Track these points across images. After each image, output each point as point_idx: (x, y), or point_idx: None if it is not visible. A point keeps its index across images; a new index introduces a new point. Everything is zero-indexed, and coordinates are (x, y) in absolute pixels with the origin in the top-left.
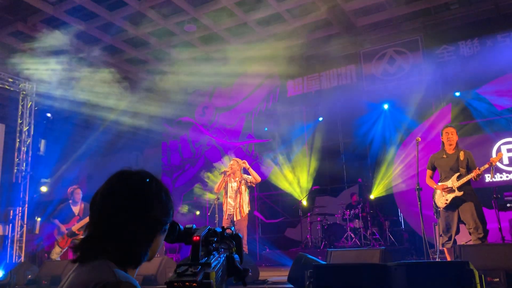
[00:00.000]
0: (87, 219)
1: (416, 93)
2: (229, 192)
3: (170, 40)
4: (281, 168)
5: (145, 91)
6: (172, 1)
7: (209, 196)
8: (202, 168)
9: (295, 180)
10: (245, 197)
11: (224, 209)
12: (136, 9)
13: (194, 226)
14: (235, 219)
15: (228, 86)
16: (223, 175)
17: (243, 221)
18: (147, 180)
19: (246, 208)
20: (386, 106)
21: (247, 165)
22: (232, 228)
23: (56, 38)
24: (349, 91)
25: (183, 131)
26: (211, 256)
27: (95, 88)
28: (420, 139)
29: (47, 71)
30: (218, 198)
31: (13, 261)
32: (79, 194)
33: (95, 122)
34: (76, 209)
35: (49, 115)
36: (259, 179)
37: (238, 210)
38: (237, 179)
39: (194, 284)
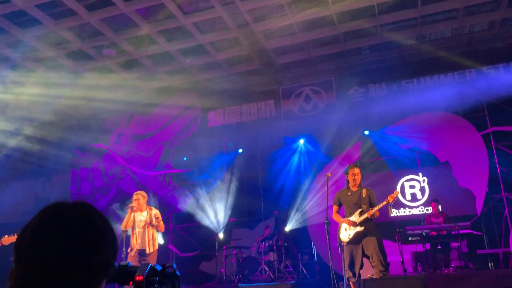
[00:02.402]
0: None
1: (330, 130)
2: (138, 227)
3: (87, 64)
4: (198, 200)
5: (56, 115)
6: (91, 24)
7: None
8: (114, 198)
9: (212, 212)
10: (155, 231)
11: (133, 243)
12: (51, 29)
13: (129, 263)
14: (148, 251)
15: (147, 113)
16: (130, 210)
17: (155, 254)
18: (91, 216)
19: (159, 241)
20: (302, 141)
21: (159, 218)
22: (174, 265)
23: None
24: (268, 125)
25: (95, 159)
26: None
27: None
28: (330, 174)
29: None
30: (125, 231)
31: None
32: None
33: None
34: None
35: None
36: (163, 230)
37: (151, 242)
38: (144, 213)
39: None
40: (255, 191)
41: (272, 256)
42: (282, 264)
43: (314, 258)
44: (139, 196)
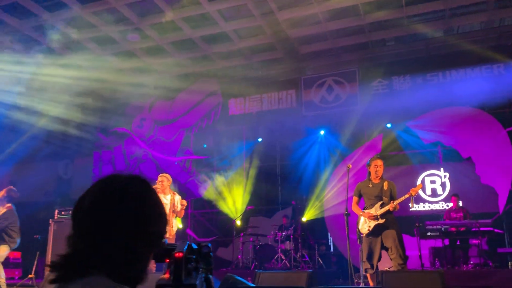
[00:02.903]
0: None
1: (351, 122)
2: None
3: (112, 48)
4: (217, 186)
5: (82, 97)
6: (117, 9)
7: None
8: None
9: (231, 199)
10: (175, 216)
11: None
12: (78, 13)
13: (166, 241)
14: (169, 235)
15: (169, 99)
16: None
17: (173, 239)
18: (147, 189)
19: (178, 226)
20: (322, 132)
21: (184, 205)
22: (209, 245)
23: None
24: (289, 114)
25: (118, 142)
26: (192, 276)
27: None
28: (351, 166)
29: None
30: None
31: None
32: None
33: (22, 126)
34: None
35: None
36: (181, 216)
37: (171, 227)
38: (168, 196)
39: None
40: (273, 181)
41: (288, 245)
42: (298, 254)
43: (330, 249)
44: (164, 179)
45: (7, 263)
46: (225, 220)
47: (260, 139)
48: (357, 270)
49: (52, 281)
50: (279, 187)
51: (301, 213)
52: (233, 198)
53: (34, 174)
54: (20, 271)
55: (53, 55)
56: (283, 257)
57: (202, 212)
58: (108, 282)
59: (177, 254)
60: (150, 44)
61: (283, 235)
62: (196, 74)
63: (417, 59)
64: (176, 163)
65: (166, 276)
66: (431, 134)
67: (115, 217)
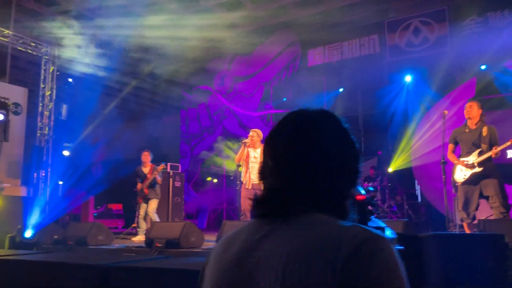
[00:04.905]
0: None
1: (441, 66)
2: (251, 163)
3: (190, 6)
4: None
5: (163, 59)
6: None
7: (226, 164)
8: (219, 136)
9: None
10: None
11: (246, 179)
12: None
13: None
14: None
15: (248, 54)
16: (243, 145)
17: None
18: (344, 123)
19: None
20: (409, 78)
21: None
22: (371, 189)
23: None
24: (371, 61)
25: (201, 99)
26: (372, 220)
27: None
28: (447, 112)
29: (69, 36)
30: (239, 165)
31: (39, 222)
32: (147, 157)
33: (115, 88)
34: (145, 170)
35: (70, 80)
36: None
37: None
38: (258, 150)
39: None
40: (355, 132)
41: (376, 196)
42: (386, 204)
43: (418, 199)
44: (254, 133)
45: (111, 214)
46: None
47: (341, 89)
48: (449, 220)
49: (258, 215)
50: (361, 138)
51: (387, 164)
52: None
53: (126, 133)
54: (123, 221)
55: (137, 17)
56: (370, 207)
57: None
58: (334, 220)
59: (358, 197)
60: None
61: (370, 185)
62: (273, 26)
63: None
64: (257, 117)
65: None
66: None
67: (317, 151)
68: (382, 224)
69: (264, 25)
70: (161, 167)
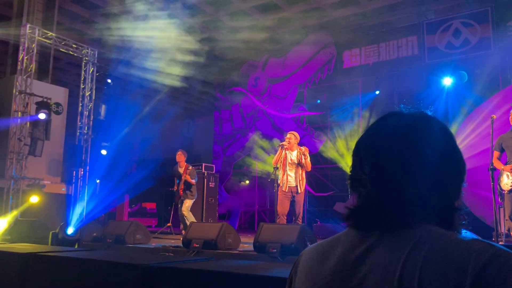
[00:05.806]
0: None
1: (483, 68)
2: (288, 165)
3: (226, 9)
4: (332, 142)
5: (201, 59)
6: None
7: (258, 166)
8: (252, 137)
9: (348, 154)
10: (304, 171)
11: (283, 181)
12: None
13: None
14: (299, 191)
15: (282, 56)
16: (280, 148)
17: (302, 194)
18: (447, 128)
19: (305, 181)
20: (449, 81)
21: (306, 154)
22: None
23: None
24: (409, 64)
25: (235, 101)
26: (465, 232)
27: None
28: (495, 116)
29: (109, 37)
30: (276, 168)
31: (80, 220)
32: (180, 156)
33: (152, 89)
34: (181, 170)
35: (109, 81)
36: (309, 169)
37: (301, 182)
38: (294, 152)
39: None
40: None
41: None
42: None
43: None
44: (292, 136)
45: (145, 213)
46: (340, 175)
47: (377, 92)
48: (492, 229)
49: (355, 226)
50: None
51: None
52: (350, 153)
53: (161, 134)
54: (156, 220)
55: (172, 19)
56: None
57: (317, 168)
58: (451, 234)
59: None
60: (262, 1)
61: None
62: (308, 27)
63: None
64: (291, 119)
65: None
66: None
67: (433, 160)
68: (475, 236)
69: (299, 27)
70: (190, 168)
